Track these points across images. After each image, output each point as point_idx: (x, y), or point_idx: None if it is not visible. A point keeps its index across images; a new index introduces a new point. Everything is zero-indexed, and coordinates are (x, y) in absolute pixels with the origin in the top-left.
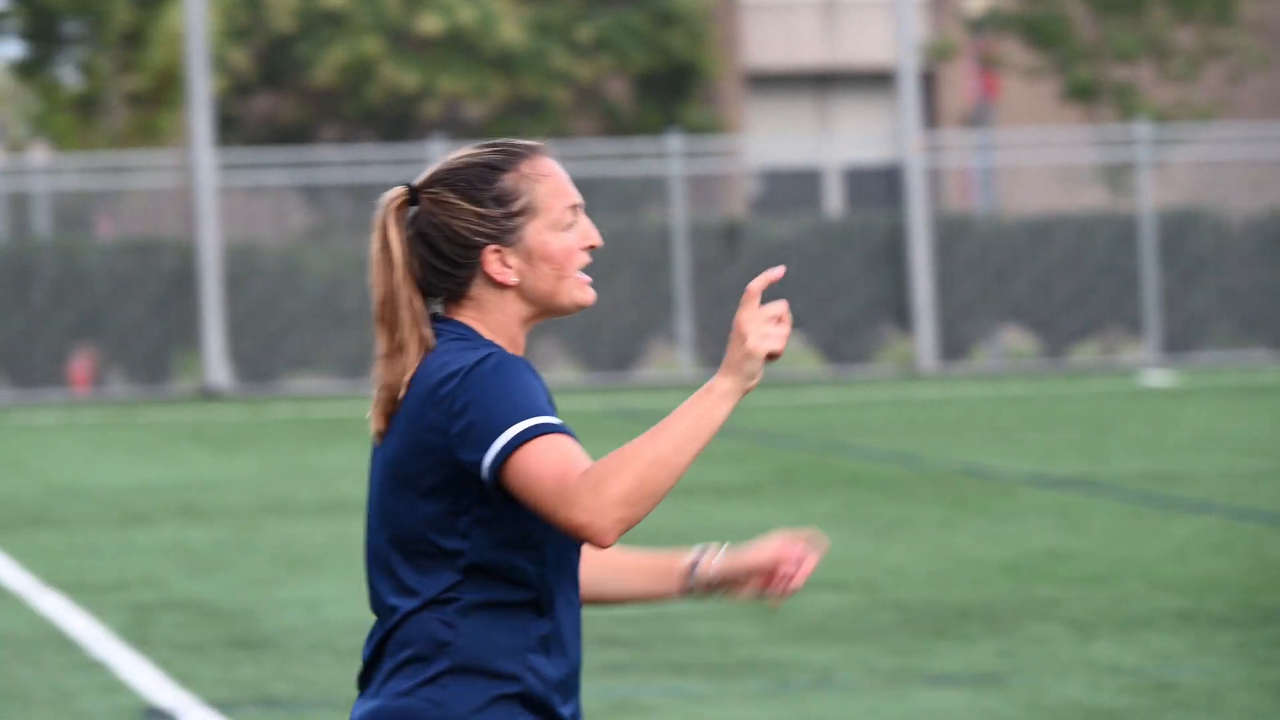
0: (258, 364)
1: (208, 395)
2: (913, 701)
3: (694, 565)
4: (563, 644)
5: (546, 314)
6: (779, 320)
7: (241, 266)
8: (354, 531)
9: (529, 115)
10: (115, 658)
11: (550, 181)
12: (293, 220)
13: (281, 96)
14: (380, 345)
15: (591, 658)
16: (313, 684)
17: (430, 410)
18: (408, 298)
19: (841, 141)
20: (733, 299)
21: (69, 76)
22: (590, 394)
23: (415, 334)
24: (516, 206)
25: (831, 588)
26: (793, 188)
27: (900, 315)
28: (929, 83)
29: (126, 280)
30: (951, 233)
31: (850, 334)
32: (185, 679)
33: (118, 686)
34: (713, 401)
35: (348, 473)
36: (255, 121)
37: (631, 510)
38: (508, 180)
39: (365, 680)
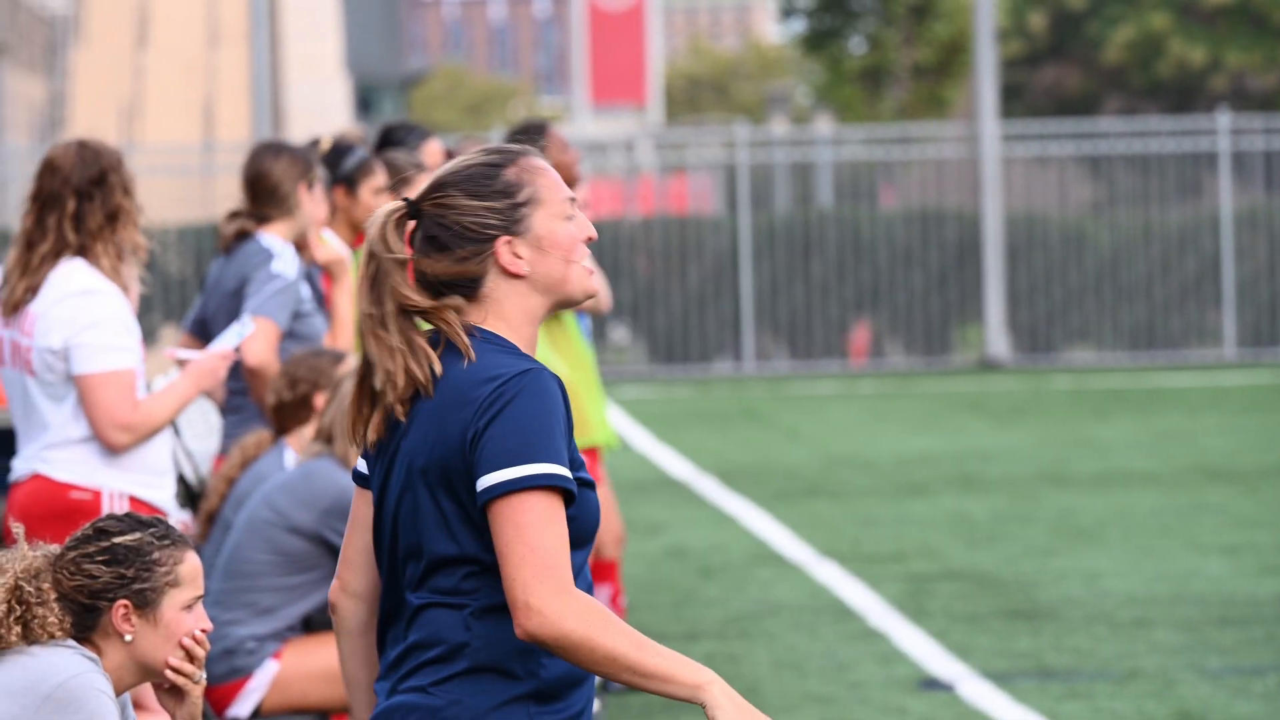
0: (1037, 335)
1: (987, 366)
2: None
3: None
4: None
5: (558, 305)
6: None
7: (1023, 238)
8: (1133, 503)
9: None
10: (892, 628)
11: (548, 175)
12: (1075, 192)
13: (1065, 68)
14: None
15: None
16: (1090, 655)
17: (463, 409)
18: (396, 308)
19: None
20: None
21: (856, 48)
22: None
23: (406, 340)
24: (521, 197)
25: None
26: None
27: None
28: None
29: (909, 251)
30: None
31: None
32: (962, 650)
33: (894, 656)
34: (686, 679)
35: (1127, 444)
36: (1038, 92)
37: (563, 648)
38: (510, 174)
39: (386, 672)
